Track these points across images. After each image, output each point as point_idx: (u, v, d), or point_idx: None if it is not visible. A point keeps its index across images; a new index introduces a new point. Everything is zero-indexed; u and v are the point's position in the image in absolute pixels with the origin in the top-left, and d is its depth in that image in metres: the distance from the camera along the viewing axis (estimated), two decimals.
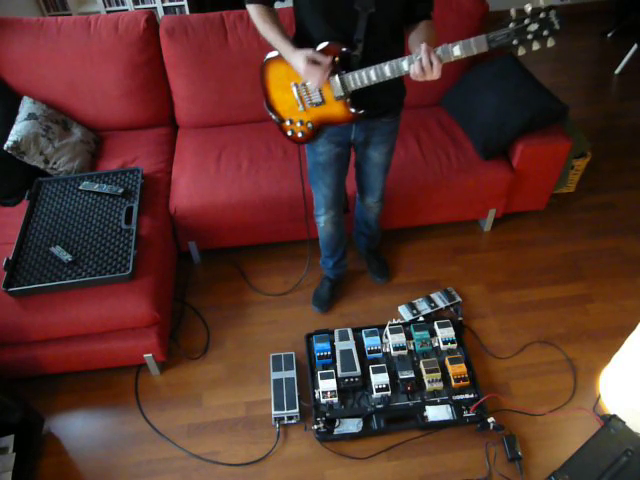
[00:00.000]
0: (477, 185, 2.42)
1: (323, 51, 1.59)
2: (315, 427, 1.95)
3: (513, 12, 1.37)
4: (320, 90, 1.68)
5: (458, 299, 2.38)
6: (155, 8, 3.74)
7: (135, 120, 2.61)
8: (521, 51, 1.41)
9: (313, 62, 1.55)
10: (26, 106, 2.37)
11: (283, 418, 2.01)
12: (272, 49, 1.68)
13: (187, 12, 3.77)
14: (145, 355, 2.11)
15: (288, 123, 1.82)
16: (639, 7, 3.90)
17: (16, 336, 1.94)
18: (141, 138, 2.59)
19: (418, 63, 1.47)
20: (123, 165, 2.45)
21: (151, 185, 2.34)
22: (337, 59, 1.59)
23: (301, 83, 1.69)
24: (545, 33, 1.38)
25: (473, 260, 2.58)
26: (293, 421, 2.02)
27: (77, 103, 2.52)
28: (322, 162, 1.93)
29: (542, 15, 1.35)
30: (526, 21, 1.37)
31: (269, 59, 1.74)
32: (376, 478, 1.90)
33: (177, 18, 2.46)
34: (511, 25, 1.38)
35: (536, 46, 1.40)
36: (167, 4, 3.75)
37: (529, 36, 1.39)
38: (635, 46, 3.62)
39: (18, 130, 2.24)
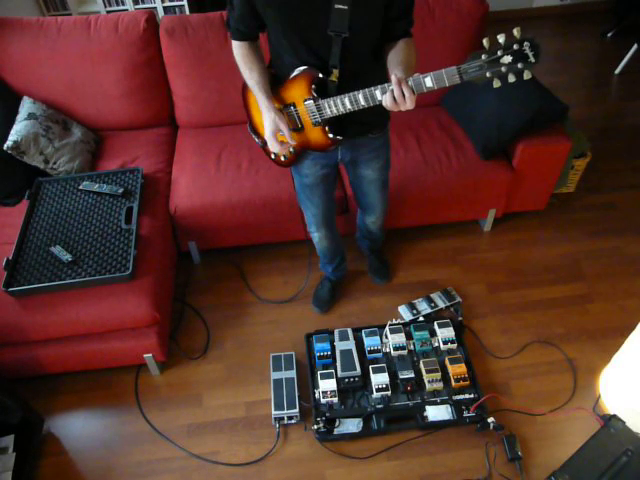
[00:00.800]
0: (476, 185, 2.43)
1: (298, 77, 1.56)
2: (315, 427, 1.95)
3: (485, 43, 1.28)
4: (299, 116, 1.65)
5: (458, 299, 2.38)
6: (155, 8, 3.74)
7: (135, 120, 2.61)
8: (496, 84, 1.32)
9: (278, 132, 1.60)
10: (26, 106, 2.37)
11: (283, 418, 2.01)
12: None
13: (187, 12, 3.78)
14: (145, 355, 2.11)
15: None
16: (639, 7, 3.90)
17: (16, 336, 1.94)
18: (141, 138, 2.59)
19: (390, 94, 1.41)
20: (123, 165, 2.45)
21: (151, 185, 2.34)
22: (314, 85, 1.55)
23: (279, 109, 1.64)
24: (520, 66, 1.28)
25: (473, 260, 2.58)
26: (293, 421, 2.02)
27: (77, 103, 2.52)
28: (308, 184, 1.91)
29: (516, 47, 1.26)
30: (499, 52, 1.28)
31: None
32: (376, 478, 1.90)
33: (177, 18, 2.46)
34: (483, 57, 1.30)
35: (512, 79, 1.31)
36: (167, 4, 3.75)
37: (503, 69, 1.30)
38: (635, 46, 3.62)
39: (18, 130, 2.24)
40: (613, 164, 3.02)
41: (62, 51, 2.41)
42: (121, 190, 2.21)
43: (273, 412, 2.00)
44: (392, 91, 1.41)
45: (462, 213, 2.62)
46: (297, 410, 2.00)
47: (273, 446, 1.98)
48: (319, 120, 1.62)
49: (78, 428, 2.07)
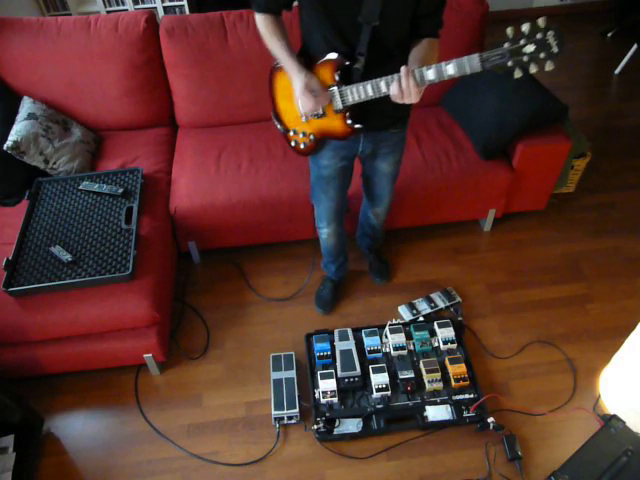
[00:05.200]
0: (476, 185, 2.43)
1: (324, 64, 1.57)
2: (315, 427, 1.95)
3: (509, 31, 1.27)
4: None
5: (458, 299, 2.38)
6: (155, 8, 3.74)
7: (135, 120, 2.61)
8: (517, 74, 1.31)
9: (311, 90, 1.56)
10: (26, 106, 2.37)
11: (283, 418, 2.01)
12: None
13: (187, 12, 3.78)
14: (145, 355, 2.11)
15: (292, 133, 1.81)
16: (639, 7, 3.90)
17: (16, 336, 1.94)
18: (141, 138, 2.59)
19: (396, 84, 1.45)
20: (123, 165, 2.45)
21: (151, 185, 2.34)
22: (339, 72, 1.57)
23: None
24: (542, 56, 1.27)
25: (473, 260, 2.58)
26: (293, 421, 2.02)
27: (77, 103, 2.52)
28: (325, 176, 1.91)
29: (539, 36, 1.25)
30: (522, 41, 1.27)
31: (276, 67, 1.73)
32: (376, 478, 1.90)
33: (177, 18, 2.46)
34: (506, 45, 1.29)
35: (533, 69, 1.30)
36: (167, 4, 3.75)
37: (525, 58, 1.29)
38: (635, 46, 3.62)
39: (18, 130, 2.24)
40: (613, 164, 3.02)
41: (62, 51, 2.41)
42: (121, 190, 2.21)
43: (273, 412, 2.00)
44: (399, 80, 1.44)
45: (462, 213, 2.62)
46: (297, 410, 2.00)
47: (273, 446, 1.98)
48: (340, 107, 1.63)
49: (78, 428, 2.07)
